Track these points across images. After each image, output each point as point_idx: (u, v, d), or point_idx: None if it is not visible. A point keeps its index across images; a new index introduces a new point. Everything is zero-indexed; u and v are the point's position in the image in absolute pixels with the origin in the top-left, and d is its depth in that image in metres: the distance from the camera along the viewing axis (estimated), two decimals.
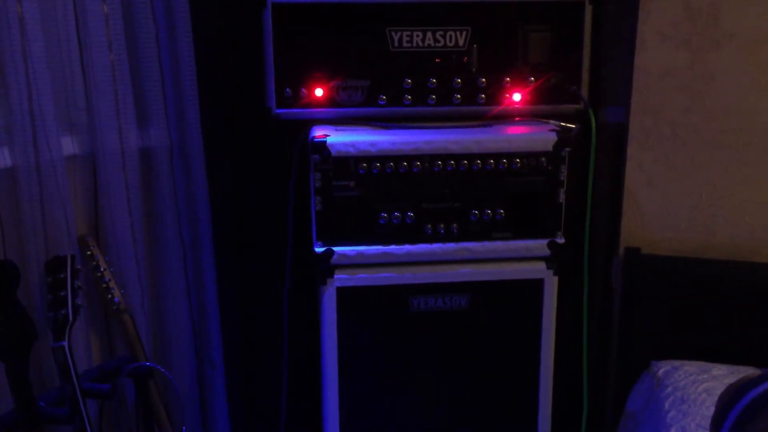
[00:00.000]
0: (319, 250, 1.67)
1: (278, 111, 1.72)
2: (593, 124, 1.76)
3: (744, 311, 1.83)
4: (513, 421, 1.81)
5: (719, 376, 1.75)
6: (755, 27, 1.81)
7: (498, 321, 1.75)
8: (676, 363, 1.82)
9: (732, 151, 1.87)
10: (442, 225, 1.70)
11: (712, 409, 1.68)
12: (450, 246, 1.70)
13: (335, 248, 1.67)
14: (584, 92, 1.80)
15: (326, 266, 1.67)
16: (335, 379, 1.71)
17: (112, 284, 1.65)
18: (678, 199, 1.91)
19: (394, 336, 1.73)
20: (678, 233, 1.92)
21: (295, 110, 1.73)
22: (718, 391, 1.74)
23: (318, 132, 1.67)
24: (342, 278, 1.68)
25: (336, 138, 1.65)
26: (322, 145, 1.63)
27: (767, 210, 1.88)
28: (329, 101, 1.74)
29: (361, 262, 1.68)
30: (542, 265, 1.73)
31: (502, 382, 1.79)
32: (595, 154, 1.78)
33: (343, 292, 1.68)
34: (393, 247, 1.69)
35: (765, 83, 1.83)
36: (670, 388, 1.74)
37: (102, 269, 1.65)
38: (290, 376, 1.82)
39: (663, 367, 1.82)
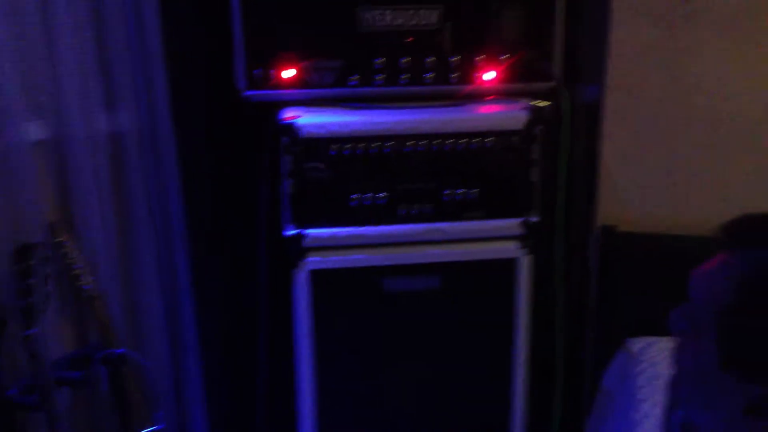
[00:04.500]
0: (290, 233, 1.66)
1: (248, 93, 1.70)
2: (566, 102, 1.74)
3: None
4: (488, 401, 1.81)
5: None
6: (729, 2, 1.80)
7: (472, 301, 1.75)
8: (651, 339, 1.82)
9: (706, 127, 1.86)
10: (414, 205, 1.69)
11: None
12: (423, 226, 1.69)
13: (308, 231, 1.66)
14: (558, 70, 1.79)
15: (298, 249, 1.66)
16: (310, 362, 1.71)
17: (83, 271, 1.64)
18: (653, 177, 1.91)
19: (368, 317, 1.73)
20: (654, 210, 1.92)
21: (265, 92, 1.71)
22: None
23: (288, 114, 1.65)
24: (315, 261, 1.67)
25: (306, 119, 1.63)
26: (291, 127, 1.62)
27: (742, 185, 1.87)
28: (300, 82, 1.71)
29: (333, 244, 1.67)
30: (515, 244, 1.72)
31: (477, 362, 1.79)
32: (569, 131, 1.77)
33: (316, 275, 1.67)
34: (365, 228, 1.68)
35: (739, 58, 1.82)
36: (644, 364, 1.74)
37: (72, 256, 1.64)
38: (267, 360, 1.82)
39: (638, 344, 1.82)
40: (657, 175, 1.90)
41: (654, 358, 1.76)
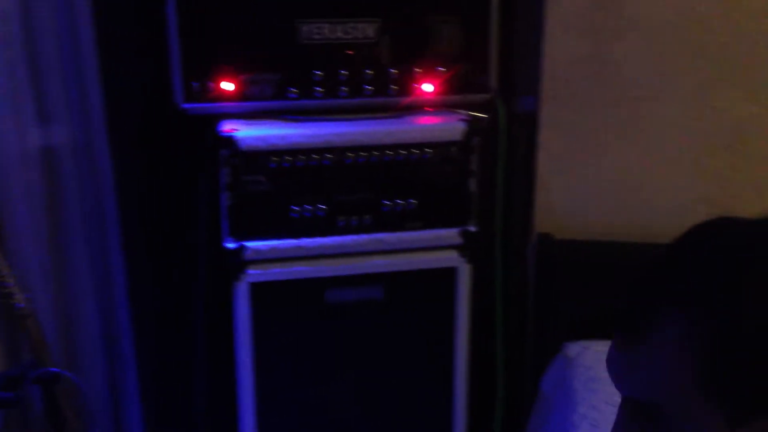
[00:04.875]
0: (230, 245, 1.65)
1: (186, 105, 1.69)
2: (501, 113, 1.78)
3: None
4: (431, 407, 1.83)
5: None
6: (657, 15, 1.87)
7: (413, 310, 1.77)
8: (587, 343, 1.87)
9: (637, 136, 1.93)
10: (354, 217, 1.70)
11: None
12: (363, 237, 1.70)
13: (248, 243, 1.66)
14: (494, 82, 1.83)
15: (239, 262, 1.65)
16: (250, 376, 1.70)
17: (14, 288, 1.59)
18: (588, 185, 1.96)
19: (311, 328, 1.73)
20: (589, 218, 1.98)
21: (203, 105, 1.69)
22: None
23: (227, 126, 1.65)
24: (255, 273, 1.66)
25: (245, 132, 1.63)
26: (230, 140, 1.61)
27: (671, 193, 1.95)
28: (239, 95, 1.71)
29: (274, 256, 1.67)
30: (455, 253, 1.75)
31: (419, 369, 1.81)
32: (506, 142, 1.82)
33: (256, 288, 1.67)
34: (306, 240, 1.68)
35: (667, 70, 1.89)
36: (580, 368, 1.79)
37: (3, 273, 1.59)
38: (206, 374, 1.80)
39: (574, 349, 1.87)
40: (591, 184, 1.96)
41: (588, 361, 1.81)
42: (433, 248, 1.75)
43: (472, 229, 1.76)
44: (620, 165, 1.94)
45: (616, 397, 1.88)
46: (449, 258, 1.75)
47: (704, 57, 1.87)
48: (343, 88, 1.74)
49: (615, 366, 0.76)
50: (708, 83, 1.88)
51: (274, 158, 1.64)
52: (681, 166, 1.93)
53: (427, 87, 1.79)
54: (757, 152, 1.89)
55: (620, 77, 1.90)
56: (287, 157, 1.64)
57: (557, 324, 1.96)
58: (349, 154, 1.67)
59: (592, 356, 1.83)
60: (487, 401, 1.89)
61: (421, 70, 1.78)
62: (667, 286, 0.72)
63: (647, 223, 1.95)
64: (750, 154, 1.90)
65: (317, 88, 1.73)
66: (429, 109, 1.81)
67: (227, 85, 1.69)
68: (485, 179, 1.83)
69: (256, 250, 1.66)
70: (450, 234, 1.74)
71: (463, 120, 1.73)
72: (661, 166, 1.94)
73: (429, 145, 1.71)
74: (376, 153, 1.68)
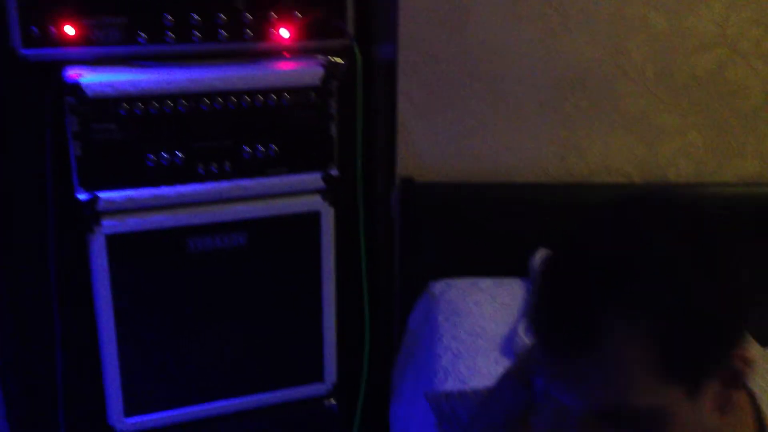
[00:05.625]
0: (82, 197, 1.59)
1: (25, 51, 1.59)
2: (358, 59, 1.80)
3: (507, 228, 1.99)
4: (300, 354, 1.86)
5: (486, 289, 1.91)
6: None
7: (279, 257, 1.78)
8: (450, 281, 1.96)
9: (490, 82, 2.01)
10: (214, 164, 1.67)
11: (480, 319, 1.85)
12: (224, 184, 1.68)
13: (101, 194, 1.60)
14: (351, 28, 1.84)
15: (92, 214, 1.59)
16: (112, 332, 1.66)
17: None
18: (446, 130, 2.03)
19: (174, 280, 1.70)
20: (448, 161, 2.04)
21: (45, 50, 1.60)
22: (484, 302, 1.91)
23: (72, 72, 1.57)
24: (111, 225, 1.61)
25: (92, 78, 1.56)
26: (76, 87, 1.54)
27: (523, 135, 2.04)
28: (84, 40, 1.63)
29: (130, 207, 1.62)
30: (318, 198, 1.77)
31: (288, 315, 1.82)
32: (362, 87, 1.84)
33: (113, 240, 1.62)
34: (163, 188, 1.64)
35: (519, 19, 1.97)
36: (443, 304, 1.87)
37: None
38: (63, 330, 1.73)
39: (438, 286, 1.95)
40: (449, 129, 2.02)
41: (451, 297, 1.90)
42: (295, 193, 1.75)
43: (334, 173, 1.78)
44: (476, 109, 2.01)
45: (477, 328, 1.97)
46: (312, 202, 1.76)
47: (551, 5, 1.96)
48: (196, 33, 1.70)
49: (559, 383, 0.75)
50: (555, 29, 1.98)
51: (125, 105, 1.58)
52: (531, 108, 2.03)
53: (284, 32, 1.78)
54: (599, 93, 2.02)
55: (472, 24, 1.96)
56: (139, 104, 1.59)
57: (422, 264, 2.03)
58: (206, 101, 1.64)
59: (454, 293, 1.92)
60: (356, 343, 1.94)
61: (277, 15, 1.76)
62: (598, 291, 0.71)
63: (504, 165, 2.04)
64: (593, 95, 2.02)
65: (168, 33, 1.68)
66: (286, 55, 1.80)
67: (70, 29, 1.61)
68: (348, 125, 1.85)
69: (110, 201, 1.61)
70: (312, 179, 1.75)
71: (320, 64, 1.73)
72: (514, 109, 2.03)
73: (287, 90, 1.70)
74: (233, 99, 1.66)
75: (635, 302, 0.69)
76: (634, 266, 0.71)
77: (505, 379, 1.09)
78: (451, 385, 1.74)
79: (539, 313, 0.77)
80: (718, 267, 0.72)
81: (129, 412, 1.72)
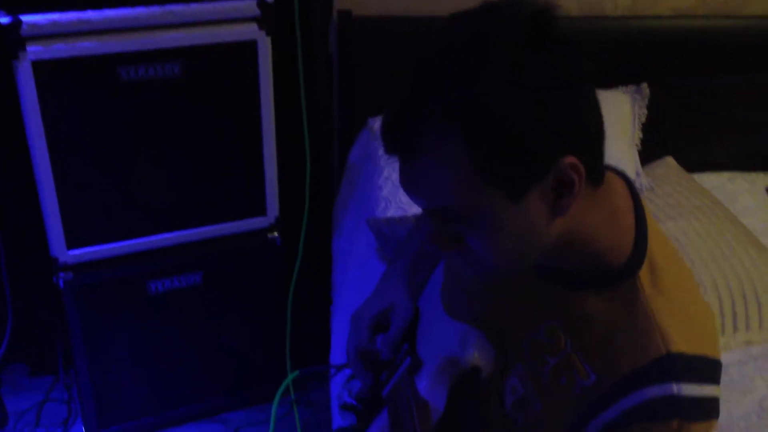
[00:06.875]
0: (4, 20, 1.51)
1: None
2: None
3: None
4: (241, 189, 1.86)
5: None
6: None
7: (216, 88, 1.74)
8: None
9: None
10: None
11: None
12: (155, 9, 1.62)
13: (24, 17, 1.52)
14: None
15: (15, 38, 1.52)
16: (47, 164, 1.62)
17: None
18: None
19: (107, 110, 1.66)
20: None
21: None
22: None
23: None
24: (36, 50, 1.54)
25: None
26: None
27: None
28: None
29: (57, 31, 1.55)
30: (254, 26, 1.72)
31: (226, 150, 1.81)
32: None
33: (40, 66, 1.55)
34: (91, 12, 1.57)
35: None
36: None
37: None
38: (2, 171, 1.70)
39: (378, 122, 1.97)
40: None
41: None
42: (230, 21, 1.70)
43: (270, 0, 1.72)
44: None
45: None
46: (248, 30, 1.72)
47: None
48: None
49: (403, 182, 0.81)
50: None
51: None
52: None
53: None
54: None
55: None
56: None
57: (361, 100, 2.03)
58: None
59: None
60: (298, 177, 1.96)
61: None
62: (416, 99, 0.75)
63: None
64: None
65: None
66: None
67: None
68: None
69: (35, 25, 1.53)
70: (246, 5, 1.70)
71: None
72: None
73: None
74: None
75: (447, 108, 0.73)
76: (450, 74, 0.73)
77: None
78: (392, 213, 1.81)
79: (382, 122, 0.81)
80: (528, 79, 0.73)
81: (71, 244, 1.73)
